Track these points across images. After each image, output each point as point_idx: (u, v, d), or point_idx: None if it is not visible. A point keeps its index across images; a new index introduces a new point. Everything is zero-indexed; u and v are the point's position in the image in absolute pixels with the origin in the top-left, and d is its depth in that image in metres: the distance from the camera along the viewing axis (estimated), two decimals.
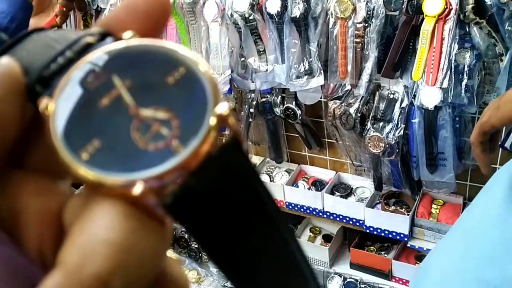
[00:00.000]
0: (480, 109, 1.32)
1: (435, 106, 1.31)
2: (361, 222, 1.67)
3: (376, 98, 1.45)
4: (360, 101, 1.47)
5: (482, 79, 1.28)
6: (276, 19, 1.43)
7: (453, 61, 1.26)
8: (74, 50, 0.19)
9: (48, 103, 0.17)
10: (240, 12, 1.46)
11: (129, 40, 0.19)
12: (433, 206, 1.59)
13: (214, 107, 0.17)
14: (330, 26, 1.40)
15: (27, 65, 0.19)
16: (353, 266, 1.82)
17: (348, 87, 1.46)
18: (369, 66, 1.39)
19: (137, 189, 0.16)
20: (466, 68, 1.26)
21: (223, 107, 0.18)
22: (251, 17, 1.47)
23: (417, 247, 1.60)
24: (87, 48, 0.19)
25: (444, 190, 1.49)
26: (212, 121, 0.17)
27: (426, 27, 1.27)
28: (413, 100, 1.37)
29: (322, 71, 1.45)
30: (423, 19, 1.27)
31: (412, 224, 1.58)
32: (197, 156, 0.17)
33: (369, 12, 1.35)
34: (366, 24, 1.35)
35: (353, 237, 1.84)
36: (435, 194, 1.60)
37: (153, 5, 0.20)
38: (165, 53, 0.18)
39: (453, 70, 1.26)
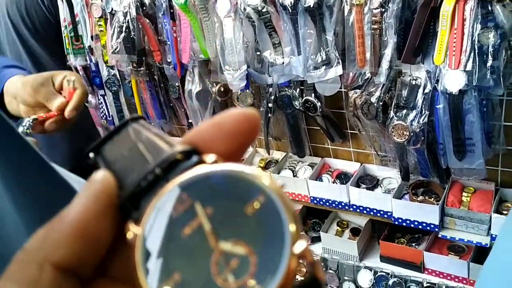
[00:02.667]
0: (508, 90, 1.26)
1: (460, 90, 1.25)
2: (389, 214, 1.62)
3: (398, 85, 1.40)
4: (381, 89, 1.42)
5: (508, 59, 1.22)
6: (290, 10, 1.39)
7: (476, 42, 1.20)
8: (162, 167, 0.20)
9: (134, 230, 0.19)
10: (252, 5, 1.43)
11: (212, 165, 0.20)
12: (464, 194, 1.53)
13: (293, 244, 0.17)
14: (346, 13, 1.35)
15: (120, 177, 0.21)
16: (383, 259, 1.78)
17: (368, 75, 1.42)
18: (388, 52, 1.34)
19: None
20: (490, 49, 1.20)
21: (301, 246, 0.17)
22: (264, 10, 1.43)
23: (448, 237, 1.54)
24: (174, 165, 0.20)
25: (474, 177, 1.43)
26: (291, 263, 0.17)
27: (446, 8, 1.22)
28: (436, 85, 1.31)
29: (340, 61, 1.41)
30: (442, 0, 1.21)
31: (442, 213, 1.52)
32: None
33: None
34: (383, 9, 1.30)
35: (382, 230, 1.79)
36: (465, 181, 1.55)
37: (240, 126, 0.21)
38: (245, 180, 0.19)
39: (476, 51, 1.21)
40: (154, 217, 0.18)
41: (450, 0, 1.20)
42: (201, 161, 0.20)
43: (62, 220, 0.19)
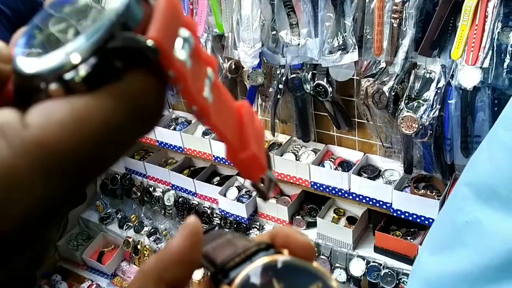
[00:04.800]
0: None
1: (474, 87, 1.25)
2: (388, 205, 1.63)
3: (412, 77, 1.40)
4: (394, 80, 1.42)
5: None
6: None
7: (495, 40, 1.20)
8: (247, 253, 0.27)
9: None
10: None
11: (286, 256, 0.27)
12: None
13: None
14: (367, 0, 1.34)
15: (214, 256, 0.27)
16: (377, 249, 1.79)
17: (383, 64, 1.41)
18: (406, 43, 1.33)
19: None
20: (509, 48, 1.19)
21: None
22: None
23: None
24: (257, 253, 0.27)
25: None
26: None
27: (469, 3, 1.21)
28: (450, 80, 1.31)
29: (356, 47, 1.41)
30: None
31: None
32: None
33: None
34: None
35: (378, 221, 1.80)
36: None
37: (304, 251, 0.28)
38: (308, 269, 0.26)
39: (495, 49, 1.20)
40: (241, 284, 0.25)
41: None
42: (277, 252, 0.27)
43: (169, 249, 0.25)
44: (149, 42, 0.20)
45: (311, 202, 1.97)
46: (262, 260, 0.26)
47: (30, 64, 0.20)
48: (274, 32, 1.53)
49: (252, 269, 0.25)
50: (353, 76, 1.52)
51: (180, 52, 0.21)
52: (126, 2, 0.20)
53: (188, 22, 0.23)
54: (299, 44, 1.49)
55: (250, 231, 2.03)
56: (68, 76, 0.20)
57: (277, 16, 1.48)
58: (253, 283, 0.25)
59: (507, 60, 1.20)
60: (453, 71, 1.30)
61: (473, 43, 1.23)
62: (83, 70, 0.20)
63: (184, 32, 0.22)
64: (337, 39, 1.41)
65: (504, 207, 0.55)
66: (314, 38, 1.45)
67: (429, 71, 1.37)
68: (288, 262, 0.26)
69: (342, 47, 1.41)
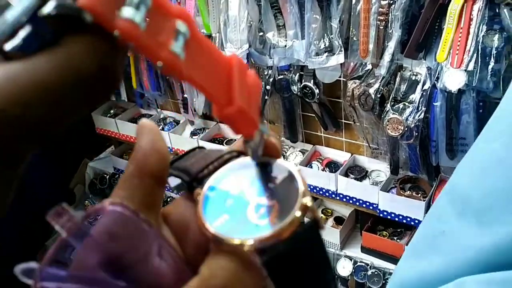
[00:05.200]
0: None
1: (459, 90, 1.26)
2: (374, 205, 1.63)
3: (398, 79, 1.40)
4: (380, 82, 1.42)
5: (510, 63, 1.23)
6: None
7: (480, 43, 1.21)
8: (219, 162, 0.29)
9: (199, 192, 0.27)
10: None
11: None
12: None
13: (301, 198, 0.26)
14: (353, 2, 1.35)
15: (189, 169, 0.29)
16: (364, 250, 1.80)
17: (369, 66, 1.42)
18: (391, 45, 1.34)
19: (248, 245, 0.24)
20: (493, 51, 1.20)
21: (307, 200, 0.26)
22: None
23: None
24: (228, 161, 0.29)
25: None
26: (299, 207, 0.26)
27: (454, 7, 1.22)
28: (436, 82, 1.32)
29: (342, 49, 1.41)
30: None
31: (428, 210, 1.54)
32: (287, 228, 0.25)
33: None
34: (391, 1, 1.30)
35: (365, 221, 1.81)
36: None
37: (271, 150, 0.30)
38: (275, 163, 0.29)
39: (479, 52, 1.21)
40: (209, 185, 0.28)
41: None
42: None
43: (140, 148, 0.26)
44: (80, 6, 0.20)
45: None
46: (231, 164, 0.29)
47: None
48: (261, 33, 1.53)
49: (221, 173, 0.28)
50: (340, 78, 1.52)
51: (128, 10, 0.21)
52: None
53: None
54: (286, 46, 1.49)
55: None
56: (5, 45, 0.20)
57: (264, 17, 1.48)
58: (220, 186, 0.28)
59: (492, 63, 1.21)
60: (438, 74, 1.31)
61: (458, 46, 1.24)
62: (17, 39, 0.20)
63: None
64: (324, 41, 1.41)
65: (477, 220, 0.56)
66: (300, 40, 1.45)
67: (415, 73, 1.38)
68: (258, 162, 0.29)
69: (329, 49, 1.42)
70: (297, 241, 0.25)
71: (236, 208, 0.26)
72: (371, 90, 1.43)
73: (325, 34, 1.41)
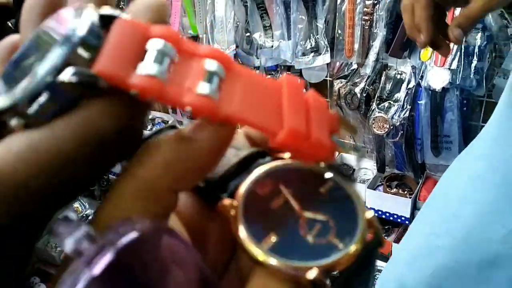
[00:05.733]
0: (488, 92, 1.29)
1: (443, 88, 1.28)
2: None
3: (383, 78, 1.42)
4: (366, 81, 1.44)
5: (492, 62, 1.25)
6: None
7: (463, 42, 1.23)
8: (241, 162, 0.24)
9: (231, 203, 0.22)
10: None
11: (288, 159, 0.24)
12: None
13: (363, 214, 0.22)
14: (338, 2, 1.36)
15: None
16: None
17: (355, 66, 1.43)
18: (376, 45, 1.36)
19: (312, 274, 0.20)
20: (476, 50, 1.23)
21: (370, 214, 0.22)
22: None
23: None
24: (253, 159, 0.24)
25: None
26: (364, 226, 0.22)
27: None
28: (420, 81, 1.34)
29: (328, 49, 1.42)
30: None
31: (414, 207, 1.56)
32: (355, 253, 0.21)
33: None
34: (376, 2, 1.32)
35: None
36: (439, 177, 1.58)
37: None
38: (315, 171, 0.24)
39: (463, 51, 1.24)
40: (245, 195, 0.22)
41: None
42: (276, 158, 0.24)
43: (187, 151, 0.21)
44: (95, 73, 0.20)
45: None
46: (263, 167, 0.23)
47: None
48: (248, 34, 1.54)
49: (255, 177, 0.23)
50: (326, 77, 1.54)
51: (147, 66, 0.20)
52: (73, 39, 0.20)
53: (159, 32, 0.21)
54: (272, 46, 1.50)
55: None
56: (27, 110, 0.20)
57: (250, 18, 1.50)
58: (259, 189, 0.22)
59: (475, 62, 1.23)
60: (423, 72, 1.33)
61: None
62: (36, 105, 0.20)
63: (155, 44, 0.21)
64: (310, 41, 1.43)
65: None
66: (287, 40, 1.46)
67: (399, 72, 1.40)
68: (291, 166, 0.23)
69: (315, 49, 1.43)
70: (362, 264, 0.21)
71: (284, 224, 0.22)
72: (357, 89, 1.45)
73: (311, 35, 1.42)
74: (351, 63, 1.43)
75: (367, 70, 1.40)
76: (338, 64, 1.47)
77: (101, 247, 0.17)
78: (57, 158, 0.20)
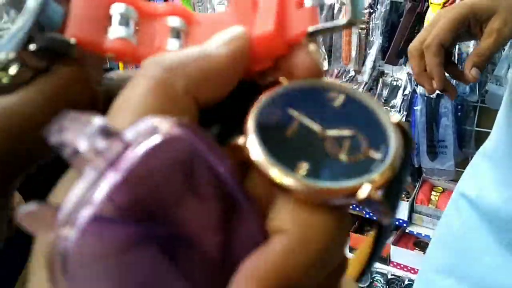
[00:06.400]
0: (481, 97, 1.33)
1: (438, 94, 1.32)
2: (361, 207, 1.69)
3: (379, 84, 1.46)
4: (363, 87, 1.48)
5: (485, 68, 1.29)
6: None
7: (456, 49, 1.27)
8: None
9: (245, 141, 0.18)
10: None
11: (289, 81, 0.21)
12: (433, 193, 1.61)
13: (388, 118, 0.20)
14: (335, 11, 1.40)
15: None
16: (352, 250, 1.84)
17: (352, 73, 1.47)
18: (373, 52, 1.39)
19: (364, 192, 0.17)
20: None
21: (397, 117, 0.20)
22: None
23: (415, 233, 1.62)
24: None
25: (444, 177, 1.51)
26: (394, 130, 0.19)
27: (431, 15, 1.27)
28: (416, 87, 1.38)
29: (326, 57, 1.46)
30: (428, 6, 1.27)
31: (412, 210, 1.60)
32: (396, 159, 0.19)
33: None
34: (371, 11, 1.36)
35: (352, 222, 1.86)
36: (434, 181, 1.62)
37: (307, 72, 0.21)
38: (321, 86, 0.20)
39: (456, 58, 1.27)
40: (256, 129, 0.19)
41: (436, 7, 1.26)
42: (275, 82, 0.21)
43: (207, 57, 0.20)
44: (71, 40, 0.20)
45: None
46: (261, 97, 0.20)
47: None
48: None
49: (258, 109, 0.19)
50: None
51: (115, 30, 0.21)
52: (41, 2, 0.21)
53: None
54: None
55: None
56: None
57: None
58: (268, 120, 0.19)
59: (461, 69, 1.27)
60: None
61: None
62: (7, 75, 0.20)
63: (117, 8, 0.21)
64: None
65: None
66: None
67: (396, 79, 1.43)
68: (291, 87, 0.21)
69: None
70: (403, 167, 0.19)
71: (309, 148, 0.19)
72: None
73: None
74: (349, 70, 1.47)
75: (364, 77, 1.44)
76: (336, 71, 1.50)
77: (125, 146, 0.15)
78: (27, 120, 0.20)
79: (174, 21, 0.22)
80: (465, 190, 0.72)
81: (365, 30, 1.38)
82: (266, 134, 0.19)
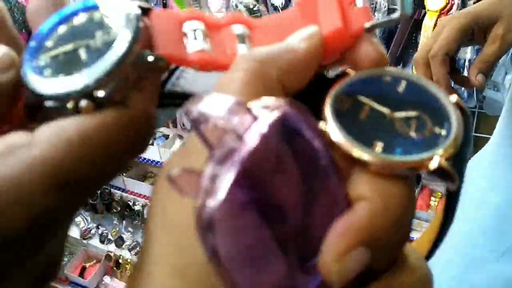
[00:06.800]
0: (479, 103, 1.33)
1: None
2: None
3: None
4: None
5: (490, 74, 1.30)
6: (280, 10, 1.44)
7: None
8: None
9: (324, 124, 0.21)
10: (245, 3, 1.48)
11: (351, 72, 0.24)
12: (432, 198, 1.61)
13: (447, 99, 0.22)
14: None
15: None
16: None
17: None
18: None
19: (435, 163, 0.20)
20: (466, 63, 1.27)
21: (454, 97, 0.23)
22: (255, 8, 1.48)
23: (415, 238, 1.61)
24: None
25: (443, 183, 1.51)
26: (454, 107, 0.22)
27: (428, 22, 1.28)
28: None
29: None
30: (425, 13, 1.28)
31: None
32: (459, 133, 0.21)
33: (371, 6, 1.36)
34: None
35: None
36: (434, 187, 1.62)
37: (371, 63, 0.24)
38: (385, 74, 0.23)
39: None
40: (332, 113, 0.21)
41: (433, 14, 1.27)
42: (342, 73, 0.24)
43: (289, 49, 0.22)
44: (162, 59, 0.22)
45: None
46: (336, 86, 0.23)
47: (47, 85, 0.22)
48: None
49: (334, 96, 0.22)
50: None
51: (193, 44, 0.23)
52: (136, 26, 0.23)
53: (186, 15, 0.25)
54: None
55: None
56: (97, 92, 0.21)
57: None
58: (342, 107, 0.22)
59: (465, 75, 1.27)
60: None
61: None
62: (98, 93, 0.21)
63: (189, 26, 0.24)
64: None
65: None
66: None
67: None
68: (358, 77, 0.23)
69: None
70: (465, 141, 0.22)
71: (381, 129, 0.22)
72: None
73: None
74: None
75: None
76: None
77: (253, 119, 0.18)
78: (107, 147, 0.21)
79: (238, 29, 0.25)
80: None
81: None
82: (342, 119, 0.21)
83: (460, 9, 1.23)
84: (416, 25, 1.31)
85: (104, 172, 0.22)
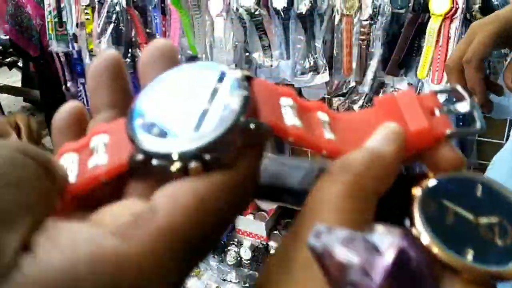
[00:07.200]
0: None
1: None
2: None
3: (380, 95, 1.45)
4: (364, 98, 1.47)
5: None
6: (282, 14, 1.43)
7: None
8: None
9: (417, 230, 0.22)
10: (246, 6, 1.46)
11: (435, 175, 0.25)
12: None
13: None
14: (336, 23, 1.40)
15: None
16: None
17: (353, 84, 1.47)
18: (373, 63, 1.39)
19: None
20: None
21: None
22: (256, 12, 1.46)
23: None
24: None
25: None
26: None
27: (433, 26, 1.27)
28: None
29: (327, 68, 1.45)
30: (429, 17, 1.27)
31: None
32: None
33: (375, 10, 1.35)
34: (372, 22, 1.35)
35: None
36: None
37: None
38: (465, 177, 0.24)
39: None
40: (421, 219, 0.22)
41: (437, 18, 1.26)
42: (423, 175, 0.25)
43: (378, 154, 0.23)
44: (267, 126, 0.23)
45: (288, 217, 2.01)
46: (420, 189, 0.24)
47: (156, 144, 0.22)
48: (247, 54, 1.57)
49: (420, 200, 0.23)
50: (325, 95, 1.57)
51: (289, 118, 0.24)
52: (246, 95, 0.23)
53: (282, 91, 0.26)
54: (271, 65, 1.53)
55: (229, 247, 2.05)
56: (207, 155, 0.22)
57: (249, 38, 1.52)
58: (428, 211, 0.23)
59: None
60: (419, 90, 1.36)
61: (438, 63, 1.29)
62: (206, 155, 0.22)
63: (285, 101, 0.25)
64: (308, 61, 1.46)
65: None
66: (286, 60, 1.49)
67: (396, 90, 1.43)
68: (443, 179, 0.24)
69: (313, 68, 1.46)
70: None
71: (468, 235, 0.22)
72: (355, 107, 1.48)
73: (310, 54, 1.45)
74: (349, 81, 1.46)
75: (365, 88, 1.43)
76: (336, 82, 1.50)
77: (381, 257, 0.18)
78: (221, 209, 0.21)
79: (323, 116, 0.26)
80: None
81: (366, 41, 1.38)
82: (431, 224, 0.22)
83: (464, 13, 1.23)
84: (420, 29, 1.30)
85: (215, 233, 0.22)
